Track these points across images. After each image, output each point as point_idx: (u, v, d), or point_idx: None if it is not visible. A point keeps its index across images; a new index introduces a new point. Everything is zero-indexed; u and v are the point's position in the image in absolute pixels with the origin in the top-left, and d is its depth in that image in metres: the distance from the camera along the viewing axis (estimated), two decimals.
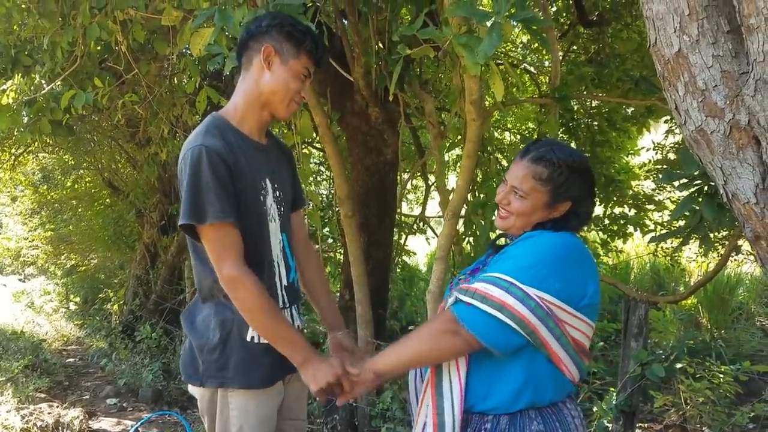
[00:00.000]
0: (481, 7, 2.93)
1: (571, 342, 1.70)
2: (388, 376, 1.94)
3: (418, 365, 1.88)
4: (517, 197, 1.81)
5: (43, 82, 4.74)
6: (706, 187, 2.77)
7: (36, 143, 6.99)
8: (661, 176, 6.29)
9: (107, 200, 10.35)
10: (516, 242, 1.80)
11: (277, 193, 2.05)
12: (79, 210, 11.03)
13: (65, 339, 8.64)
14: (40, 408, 5.14)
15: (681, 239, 3.33)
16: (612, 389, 3.85)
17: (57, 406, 5.31)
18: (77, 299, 11.13)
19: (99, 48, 4.72)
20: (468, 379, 1.74)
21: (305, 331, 2.03)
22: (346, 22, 4.32)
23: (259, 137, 2.05)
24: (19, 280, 13.46)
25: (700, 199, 2.81)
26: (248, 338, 1.93)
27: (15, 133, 4.92)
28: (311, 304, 2.33)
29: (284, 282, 2.05)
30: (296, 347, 1.88)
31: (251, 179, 1.94)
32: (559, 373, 1.73)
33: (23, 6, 3.95)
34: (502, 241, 1.96)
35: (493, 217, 1.98)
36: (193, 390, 2.07)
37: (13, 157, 8.56)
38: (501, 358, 1.68)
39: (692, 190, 2.85)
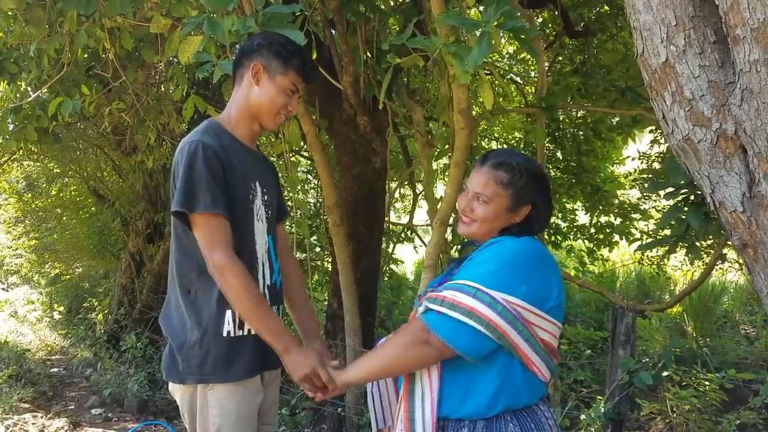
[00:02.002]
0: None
1: (540, 343, 1.74)
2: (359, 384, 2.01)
3: (389, 375, 1.94)
4: (480, 203, 1.85)
5: (29, 89, 4.71)
6: (692, 196, 2.79)
7: (21, 151, 6.93)
8: (647, 185, 6.34)
9: (92, 209, 10.26)
10: (480, 249, 1.84)
11: (266, 197, 2.14)
12: (64, 218, 10.93)
13: (49, 348, 8.55)
14: (24, 418, 5.09)
15: (667, 248, 3.36)
16: (599, 397, 3.86)
17: (41, 417, 5.25)
18: (61, 308, 11.02)
19: (86, 55, 4.70)
20: (442, 387, 1.77)
21: None
22: (334, 31, 4.33)
23: (251, 145, 2.17)
24: (2, 289, 13.31)
25: (687, 209, 2.84)
26: (224, 333, 1.98)
27: (0, 141, 4.86)
28: (289, 312, 2.38)
29: (267, 281, 2.12)
30: (278, 336, 1.96)
31: (243, 178, 2.03)
32: (532, 376, 1.76)
33: (9, 13, 3.91)
34: (468, 250, 1.99)
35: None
36: (173, 389, 2.09)
37: None
38: (474, 364, 1.71)
39: (678, 199, 2.87)
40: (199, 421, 2.01)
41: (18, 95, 4.75)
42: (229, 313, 1.98)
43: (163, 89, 6.01)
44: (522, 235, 1.84)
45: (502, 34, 2.67)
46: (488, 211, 1.84)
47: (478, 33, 2.45)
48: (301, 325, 2.34)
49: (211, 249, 1.90)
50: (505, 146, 8.10)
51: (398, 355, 1.78)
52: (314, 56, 4.30)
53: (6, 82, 4.65)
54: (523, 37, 2.80)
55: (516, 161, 1.84)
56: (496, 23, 2.35)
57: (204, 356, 1.96)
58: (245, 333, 2.00)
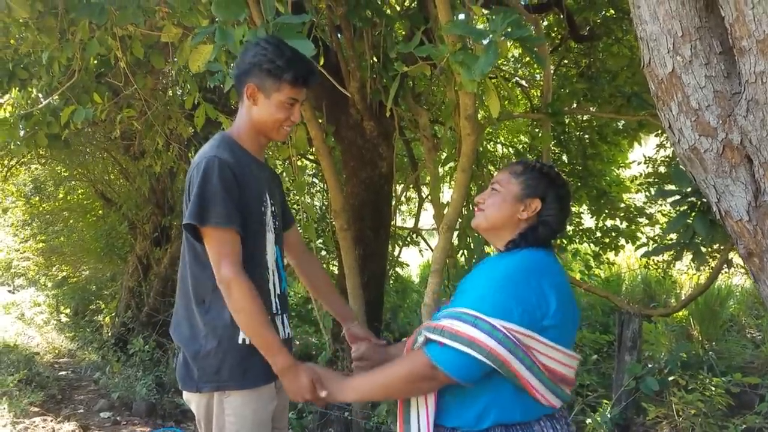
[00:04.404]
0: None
1: (543, 371, 1.69)
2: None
3: (388, 399, 1.92)
4: (492, 191, 1.90)
5: (40, 96, 4.74)
6: (698, 204, 2.81)
7: (30, 155, 6.99)
8: (654, 192, 6.35)
9: (99, 212, 10.32)
10: (474, 270, 1.83)
11: (274, 208, 2.18)
12: (71, 221, 10.99)
13: (57, 351, 8.59)
14: (35, 422, 5.13)
15: (674, 254, 3.37)
16: (605, 402, 3.88)
17: (51, 420, 5.29)
18: (67, 311, 11.06)
19: (96, 62, 4.73)
20: (438, 396, 1.77)
21: (297, 342, 2.09)
22: (341, 36, 4.36)
23: (260, 157, 2.21)
24: (9, 291, 13.37)
25: (693, 216, 2.85)
26: (240, 341, 2.00)
27: (11, 147, 4.90)
28: (323, 304, 2.53)
29: (277, 290, 2.16)
30: (275, 356, 1.95)
31: (256, 190, 2.07)
32: (527, 395, 1.71)
33: (21, 21, 3.95)
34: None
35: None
36: (188, 397, 2.11)
37: (5, 169, 8.53)
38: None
39: (685, 206, 2.89)
40: (216, 429, 2.03)
41: (29, 102, 4.79)
42: None
43: (171, 94, 6.04)
44: (538, 242, 1.83)
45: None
46: (497, 198, 1.88)
47: (485, 42, 2.47)
48: (337, 313, 2.46)
49: (219, 262, 1.92)
50: (510, 150, 8.12)
51: (401, 390, 1.77)
52: (321, 62, 4.33)
53: (17, 88, 4.69)
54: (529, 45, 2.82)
55: (536, 161, 1.92)
56: (503, 32, 2.38)
57: (220, 363, 1.99)
58: None
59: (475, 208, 1.95)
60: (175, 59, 3.79)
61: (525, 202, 1.86)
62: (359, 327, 2.33)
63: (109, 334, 8.62)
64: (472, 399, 1.72)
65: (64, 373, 7.42)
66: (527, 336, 1.66)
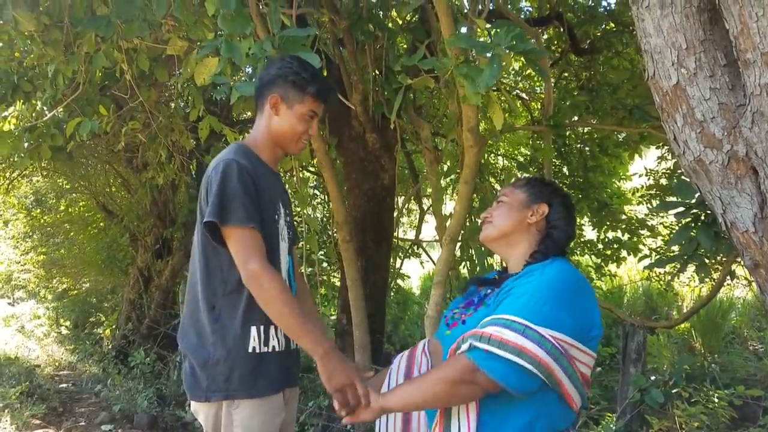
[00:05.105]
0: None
1: (579, 377, 1.71)
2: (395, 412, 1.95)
3: (428, 408, 1.87)
4: (498, 204, 1.95)
5: (45, 108, 4.76)
6: (702, 216, 2.81)
7: (32, 167, 6.99)
8: (657, 205, 6.35)
9: (101, 224, 10.32)
10: (519, 278, 1.79)
11: (287, 217, 2.22)
12: (72, 234, 10.98)
13: (57, 364, 8.56)
14: None
15: (677, 266, 3.37)
16: (608, 415, 3.87)
17: None
18: (68, 323, 11.03)
19: (101, 75, 4.75)
20: (479, 416, 1.73)
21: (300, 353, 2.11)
22: (343, 50, 4.39)
23: (274, 168, 2.26)
24: (9, 303, 13.34)
25: (697, 227, 2.85)
26: (250, 350, 2.01)
27: (14, 159, 4.92)
28: None
29: None
30: (318, 341, 1.93)
31: (270, 199, 2.10)
32: (567, 405, 1.73)
33: (26, 33, 3.97)
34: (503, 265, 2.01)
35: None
36: (196, 408, 2.10)
37: (7, 181, 8.54)
38: (514, 397, 1.67)
39: (688, 219, 2.89)
40: None
41: (33, 114, 4.80)
42: (254, 329, 2.01)
43: (173, 106, 6.06)
44: (559, 249, 1.86)
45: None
46: (504, 207, 1.92)
47: (488, 55, 2.49)
48: None
49: (246, 259, 1.93)
50: (512, 162, 8.15)
51: (443, 393, 1.71)
52: (324, 75, 4.35)
53: (21, 101, 4.71)
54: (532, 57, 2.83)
55: (537, 176, 1.96)
56: (506, 46, 2.40)
57: (230, 372, 1.99)
58: (270, 350, 2.04)
59: (482, 223, 1.96)
60: (179, 72, 3.81)
61: (532, 207, 1.91)
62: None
63: (110, 346, 8.60)
64: (517, 411, 1.70)
65: (64, 385, 7.38)
66: (573, 346, 1.67)
